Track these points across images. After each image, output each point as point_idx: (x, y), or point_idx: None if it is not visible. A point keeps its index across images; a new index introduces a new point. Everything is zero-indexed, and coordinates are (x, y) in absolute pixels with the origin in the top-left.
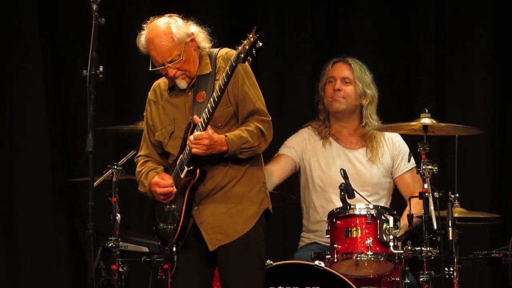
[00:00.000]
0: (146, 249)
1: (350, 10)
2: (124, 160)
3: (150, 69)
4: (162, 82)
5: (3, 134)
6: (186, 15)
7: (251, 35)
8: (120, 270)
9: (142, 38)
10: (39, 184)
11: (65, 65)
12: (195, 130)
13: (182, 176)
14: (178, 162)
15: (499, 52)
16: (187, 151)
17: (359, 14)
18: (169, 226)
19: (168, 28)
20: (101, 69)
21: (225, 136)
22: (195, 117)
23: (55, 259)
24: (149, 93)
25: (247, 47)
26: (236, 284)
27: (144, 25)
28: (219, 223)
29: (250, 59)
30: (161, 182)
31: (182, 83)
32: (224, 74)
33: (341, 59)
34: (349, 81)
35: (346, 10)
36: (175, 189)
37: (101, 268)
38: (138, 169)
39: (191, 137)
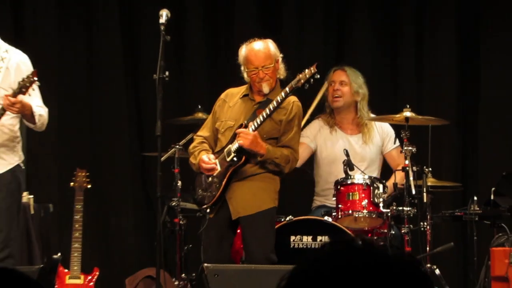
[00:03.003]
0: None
1: (353, 28)
2: (183, 141)
3: (245, 74)
4: (234, 90)
5: (96, 122)
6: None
7: (312, 68)
8: (180, 222)
9: (244, 49)
10: (122, 159)
11: (141, 70)
12: None
13: (228, 159)
14: (225, 149)
15: (464, 55)
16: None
17: (359, 32)
18: (208, 194)
19: (267, 43)
20: (167, 73)
21: (267, 145)
22: (251, 122)
23: (133, 215)
24: (222, 94)
25: (307, 76)
26: (254, 244)
27: (247, 42)
28: (243, 200)
29: (307, 85)
30: (207, 160)
31: (266, 88)
32: (282, 92)
33: (339, 67)
34: (345, 83)
35: (349, 28)
36: (218, 167)
37: (167, 221)
38: (194, 144)
39: (239, 130)
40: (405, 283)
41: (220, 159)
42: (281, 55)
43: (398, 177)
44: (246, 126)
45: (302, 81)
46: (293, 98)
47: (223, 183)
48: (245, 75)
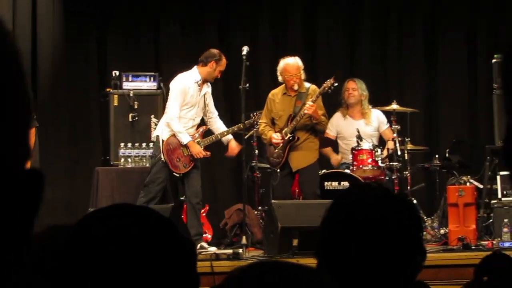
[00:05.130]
0: (268, 166)
1: (358, 45)
2: (258, 126)
3: (280, 77)
4: (276, 91)
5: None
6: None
7: (332, 79)
8: (257, 175)
9: (282, 62)
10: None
11: (233, 81)
12: (293, 119)
13: (286, 138)
14: (283, 131)
15: (428, 57)
16: (295, 121)
17: (363, 47)
18: (276, 160)
19: (297, 60)
20: (247, 85)
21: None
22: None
23: (228, 171)
24: (269, 94)
25: (329, 85)
26: (307, 184)
27: (282, 59)
28: (298, 159)
29: (329, 91)
30: (276, 137)
31: (296, 86)
32: (315, 95)
33: (351, 79)
34: (355, 89)
35: (356, 45)
36: (282, 142)
37: (249, 175)
38: (261, 127)
39: (308, 104)
40: (403, 206)
41: (281, 137)
42: (302, 66)
43: (389, 145)
44: (294, 116)
45: (326, 88)
46: (313, 86)
47: (285, 152)
48: (280, 78)
